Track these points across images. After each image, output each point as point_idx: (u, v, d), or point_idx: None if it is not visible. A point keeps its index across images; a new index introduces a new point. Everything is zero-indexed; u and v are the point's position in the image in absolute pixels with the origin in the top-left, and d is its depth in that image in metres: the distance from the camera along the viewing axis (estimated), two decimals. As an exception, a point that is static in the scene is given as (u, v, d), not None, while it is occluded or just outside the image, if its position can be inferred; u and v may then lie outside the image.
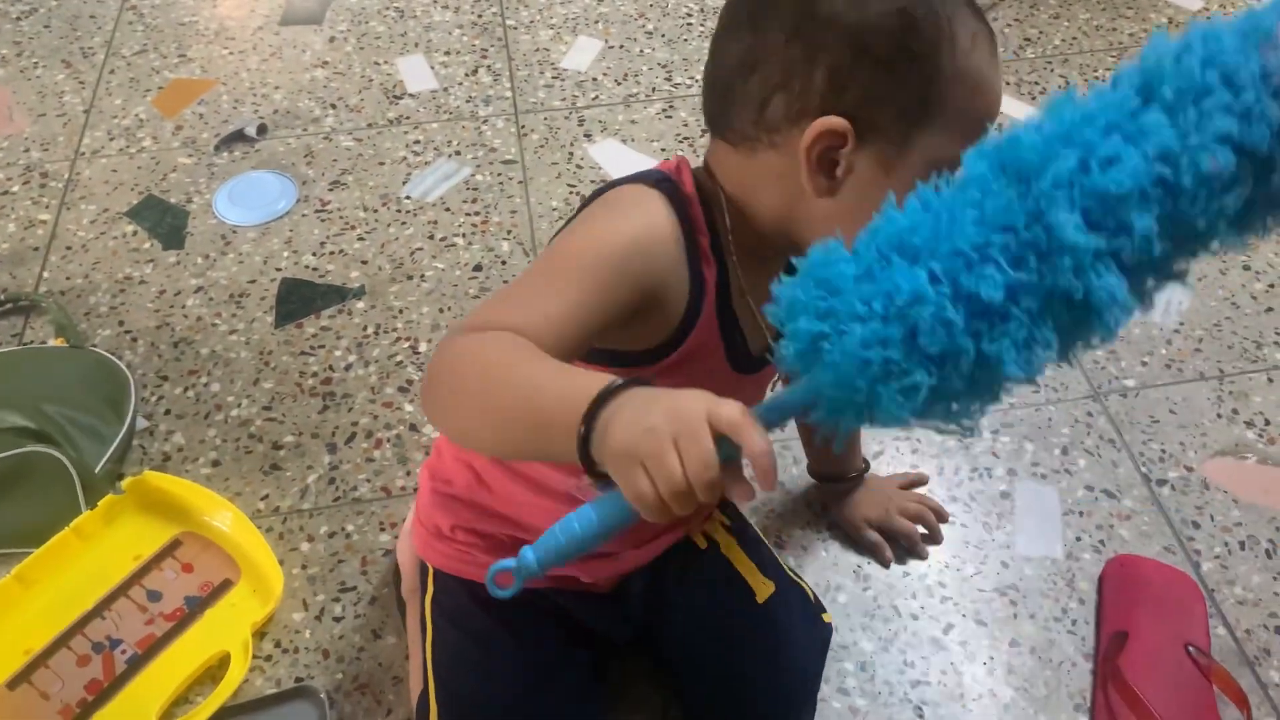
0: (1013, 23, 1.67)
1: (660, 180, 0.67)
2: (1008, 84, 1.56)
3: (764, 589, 0.88)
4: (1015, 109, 1.52)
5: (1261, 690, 0.94)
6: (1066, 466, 1.10)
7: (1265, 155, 0.49)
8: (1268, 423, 1.14)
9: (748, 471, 0.48)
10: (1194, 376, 1.19)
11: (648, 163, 1.44)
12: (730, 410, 0.47)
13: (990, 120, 0.64)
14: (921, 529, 1.04)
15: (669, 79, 1.59)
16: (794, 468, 1.09)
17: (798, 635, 0.88)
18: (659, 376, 0.65)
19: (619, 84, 1.58)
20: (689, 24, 1.68)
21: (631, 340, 0.67)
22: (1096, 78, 1.56)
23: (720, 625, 0.87)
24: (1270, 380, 1.18)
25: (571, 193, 1.41)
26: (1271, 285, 1.28)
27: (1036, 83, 1.56)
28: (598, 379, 0.51)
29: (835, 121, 0.61)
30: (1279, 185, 0.50)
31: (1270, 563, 1.03)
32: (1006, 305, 0.49)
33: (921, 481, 1.09)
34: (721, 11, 0.67)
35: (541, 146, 1.48)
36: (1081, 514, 1.07)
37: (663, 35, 1.66)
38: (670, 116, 1.52)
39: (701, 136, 1.49)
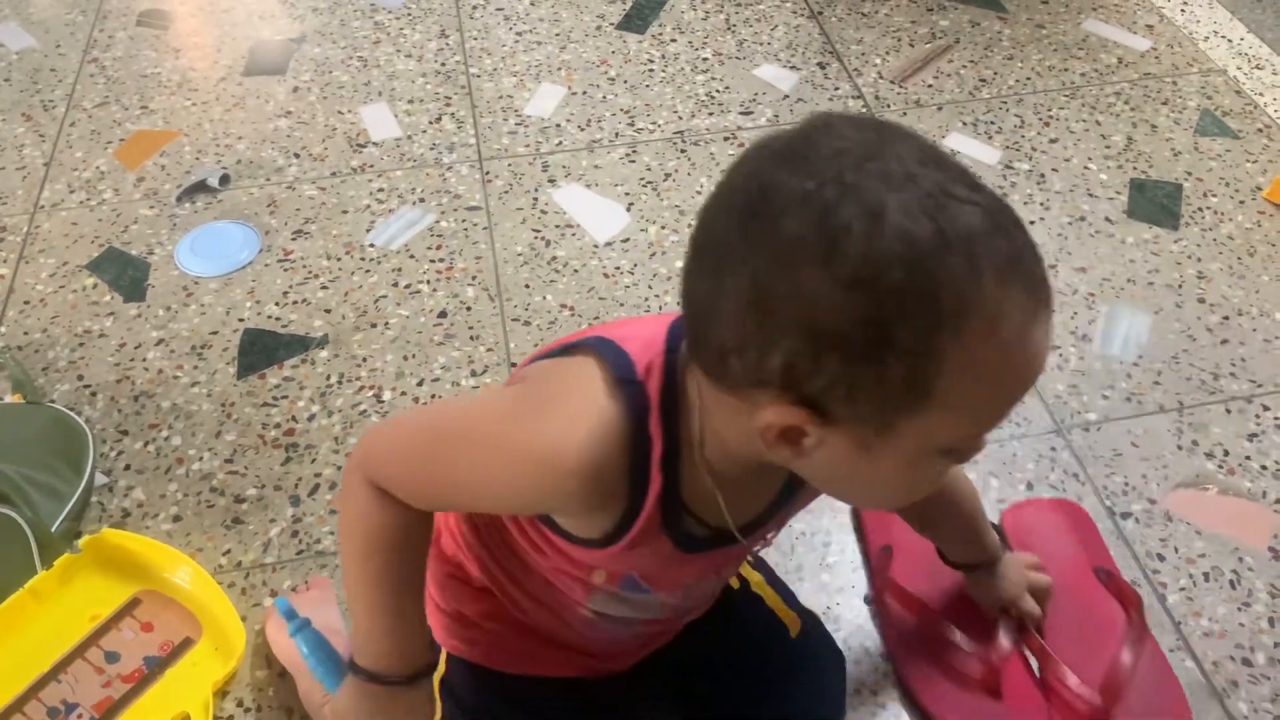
0: (968, 64, 1.70)
1: (627, 382, 0.59)
2: (964, 124, 1.59)
3: (794, 623, 0.89)
4: (974, 148, 1.54)
5: (1231, 723, 0.94)
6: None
7: None
8: (1227, 453, 1.16)
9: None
10: (1154, 409, 1.20)
11: (612, 207, 1.45)
12: None
13: (1024, 392, 0.55)
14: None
15: (632, 124, 1.60)
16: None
17: (827, 665, 0.90)
18: (604, 563, 0.67)
19: (582, 130, 1.59)
20: (650, 70, 1.70)
21: (571, 525, 0.65)
22: (1051, 116, 1.60)
23: (761, 662, 0.87)
24: (1228, 411, 1.20)
25: (536, 237, 1.41)
26: (1226, 318, 1.30)
27: (993, 122, 1.59)
28: (397, 648, 0.70)
29: (791, 414, 0.52)
30: None
31: (1234, 593, 1.03)
32: None
33: (1036, 563, 1.02)
34: (694, 230, 0.55)
35: (506, 192, 1.48)
36: (1048, 549, 1.07)
37: (625, 81, 1.68)
38: (634, 161, 1.54)
39: (665, 181, 1.50)
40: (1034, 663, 0.97)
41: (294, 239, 1.41)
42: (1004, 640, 0.95)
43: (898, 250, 0.47)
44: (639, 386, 0.59)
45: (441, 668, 0.83)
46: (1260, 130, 1.57)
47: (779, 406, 0.52)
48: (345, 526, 0.68)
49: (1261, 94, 1.64)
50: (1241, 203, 1.46)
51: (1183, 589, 1.04)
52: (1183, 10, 1.82)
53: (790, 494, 0.69)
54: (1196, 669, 0.98)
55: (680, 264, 1.33)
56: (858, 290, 0.48)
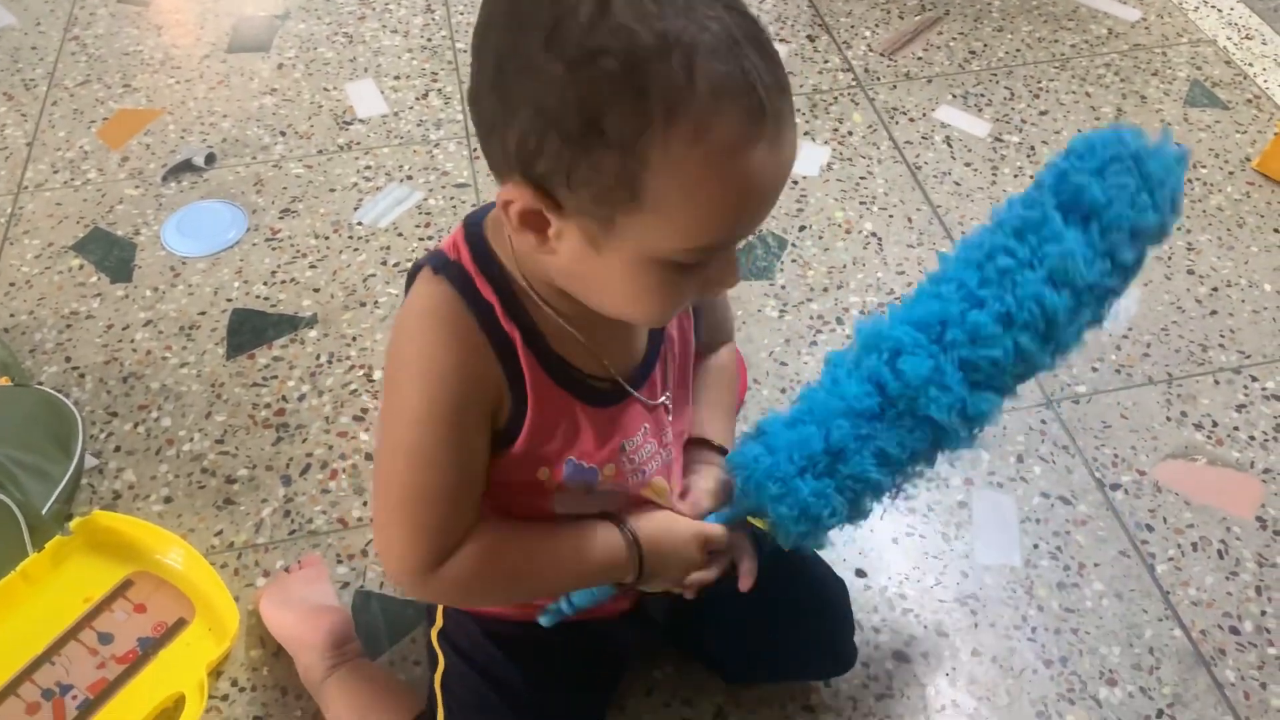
0: (958, 36, 1.70)
1: (441, 267, 0.63)
2: (954, 96, 1.58)
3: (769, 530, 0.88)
4: (964, 121, 1.54)
5: (1218, 690, 0.95)
6: (1022, 474, 1.12)
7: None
8: (1215, 424, 1.16)
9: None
10: (1143, 381, 1.20)
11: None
12: (717, 535, 0.75)
13: (746, 212, 0.56)
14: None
15: (620, 99, 1.59)
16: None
17: (825, 568, 0.91)
18: (532, 448, 0.67)
19: (570, 105, 1.58)
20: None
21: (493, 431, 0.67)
22: (1040, 88, 1.59)
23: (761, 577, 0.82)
24: (1216, 383, 1.20)
25: (525, 215, 1.40)
26: (1215, 289, 1.31)
27: (983, 94, 1.59)
28: (609, 542, 0.72)
29: (520, 191, 0.54)
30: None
31: (1222, 563, 1.04)
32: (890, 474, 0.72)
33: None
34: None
35: (494, 169, 1.47)
36: (1038, 521, 1.08)
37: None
38: (622, 136, 1.53)
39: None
40: None
41: (281, 218, 1.40)
42: None
43: (614, 43, 0.50)
44: (454, 265, 0.63)
45: (439, 621, 0.84)
46: (1249, 101, 1.57)
47: (516, 184, 0.54)
48: (488, 594, 0.74)
49: (1251, 64, 1.64)
50: (1231, 174, 1.46)
51: (1171, 559, 1.05)
52: (1173, -20, 1.81)
53: (659, 337, 0.73)
54: (1184, 637, 0.99)
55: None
56: (573, 72, 0.50)
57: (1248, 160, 1.47)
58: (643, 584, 0.74)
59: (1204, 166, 1.46)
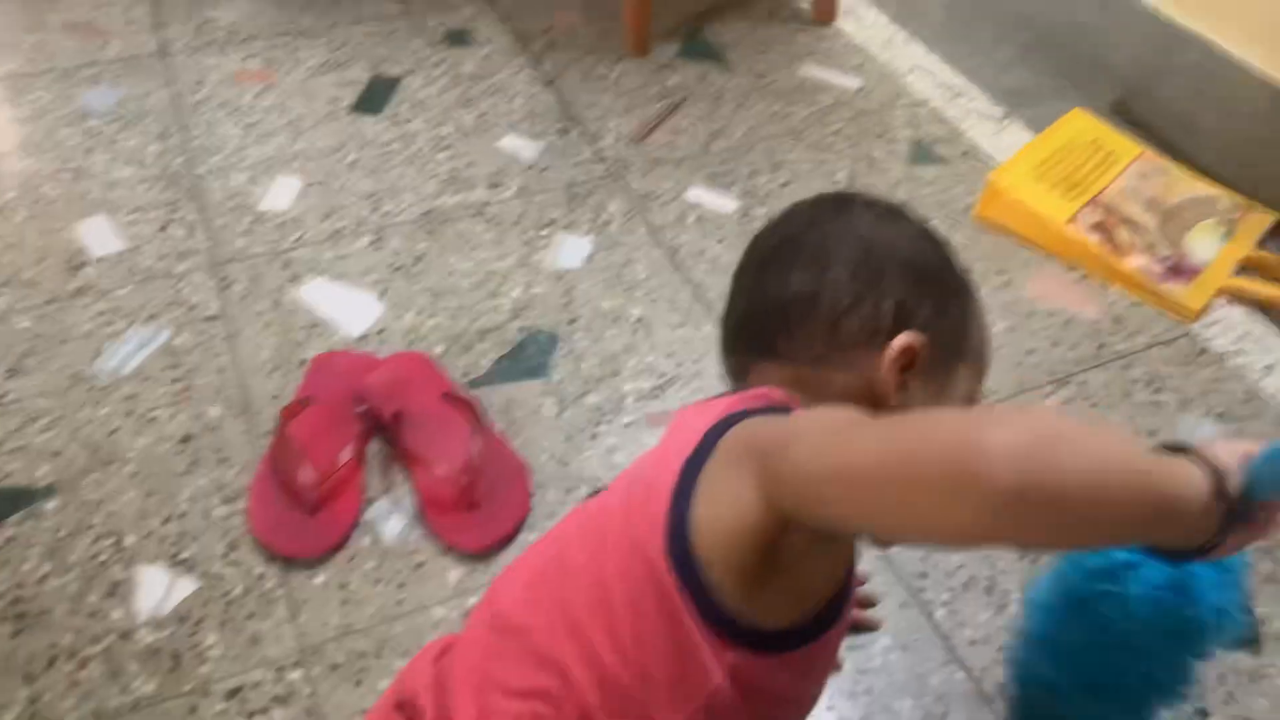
0: (700, 118, 1.77)
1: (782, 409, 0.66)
2: (702, 177, 1.65)
3: None
4: (713, 200, 1.60)
5: (1002, 725, 1.00)
6: (803, 541, 1.15)
7: None
8: (970, 465, 1.24)
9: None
10: (902, 432, 1.27)
11: (363, 298, 1.41)
12: None
13: (990, 359, 0.77)
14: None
15: (376, 209, 1.57)
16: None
17: None
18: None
19: (324, 220, 1.54)
20: (390, 152, 1.67)
21: None
22: (779, 161, 1.68)
23: None
24: (966, 424, 1.28)
25: (283, 340, 1.35)
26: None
27: (728, 172, 1.66)
28: (1190, 473, 0.52)
29: (916, 337, 0.68)
30: None
31: (991, 599, 1.10)
32: None
33: None
34: (757, 252, 0.78)
35: (245, 297, 1.41)
36: (823, 585, 1.11)
37: (364, 166, 1.64)
38: (381, 248, 1.50)
39: (416, 264, 1.47)
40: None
41: (8, 379, 1.29)
42: (343, 456, 1.18)
43: (931, 227, 0.76)
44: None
45: None
46: (964, 154, 1.72)
47: (908, 334, 0.68)
48: (1076, 451, 0.47)
49: (962, 120, 1.79)
50: (956, 223, 1.58)
51: (945, 602, 1.10)
52: (885, 48, 1.97)
53: None
54: (967, 678, 1.04)
55: (441, 349, 1.29)
56: (927, 239, 0.75)
57: (968, 210, 1.60)
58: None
59: (933, 219, 1.57)
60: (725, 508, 0.57)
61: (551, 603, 0.64)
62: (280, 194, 1.59)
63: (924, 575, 1.12)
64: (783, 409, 0.65)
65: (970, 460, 0.44)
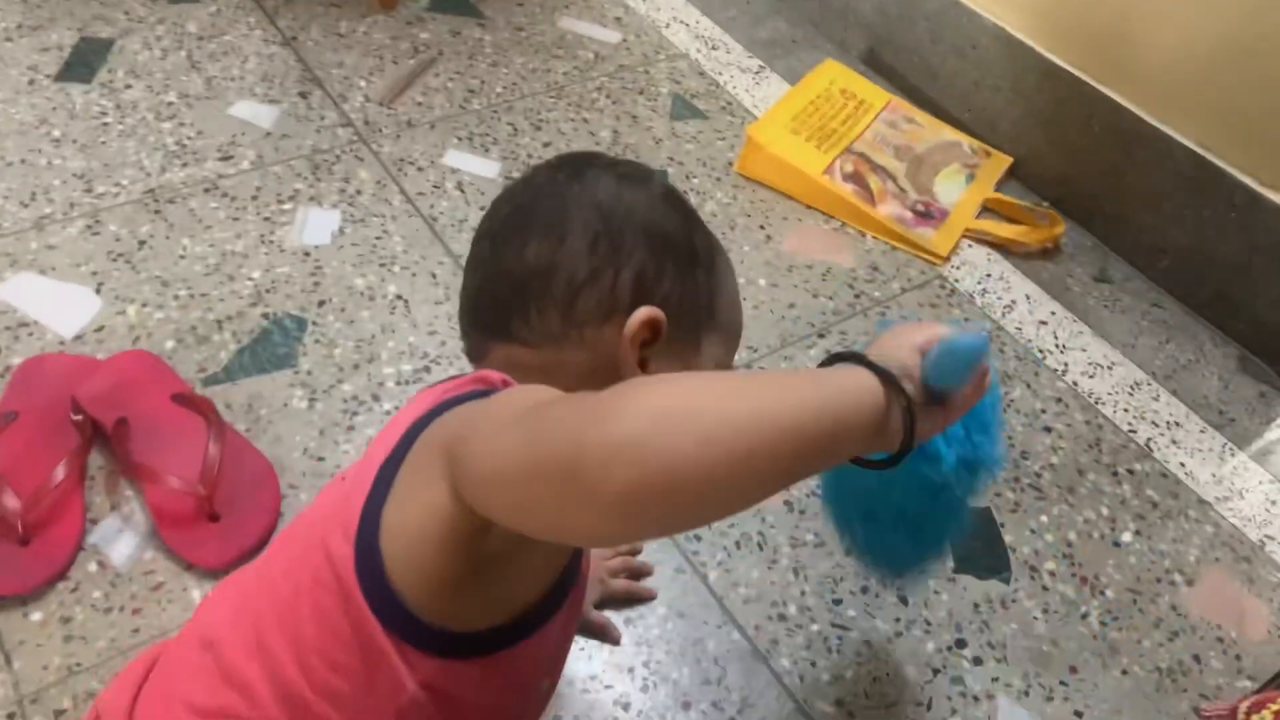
0: (455, 76, 1.69)
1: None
2: (459, 139, 1.57)
3: None
4: (473, 164, 1.53)
5: (778, 681, 1.01)
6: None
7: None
8: (738, 423, 1.24)
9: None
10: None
11: (77, 292, 1.26)
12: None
13: (741, 328, 0.77)
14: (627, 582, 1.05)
15: (89, 190, 1.40)
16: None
17: None
18: None
19: (26, 206, 1.36)
20: (105, 125, 1.50)
21: None
22: (541, 120, 1.62)
23: None
24: (733, 382, 1.29)
25: (-18, 349, 1.18)
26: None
27: (487, 133, 1.59)
28: (857, 380, 0.51)
29: (656, 311, 0.66)
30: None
31: (763, 554, 1.12)
32: None
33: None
34: (491, 222, 0.73)
35: (-68, 299, 1.23)
36: (598, 561, 1.08)
37: (74, 141, 1.46)
38: (98, 233, 1.34)
39: (139, 250, 1.32)
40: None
41: None
42: (57, 475, 1.03)
43: (675, 190, 0.74)
44: None
45: None
46: (724, 108, 1.71)
47: (646, 309, 0.66)
48: (702, 416, 0.43)
49: (720, 73, 1.79)
50: (718, 179, 1.58)
51: (720, 563, 1.10)
52: (645, 0, 1.93)
53: None
54: (742, 638, 1.04)
55: (172, 345, 1.17)
56: (669, 204, 0.71)
57: (730, 165, 1.60)
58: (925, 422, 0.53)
59: (695, 177, 1.57)
60: (415, 509, 0.54)
61: (248, 616, 0.59)
62: (-30, 177, 1.39)
63: (698, 538, 1.12)
64: (492, 393, 0.60)
65: (576, 464, 0.42)
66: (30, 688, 0.92)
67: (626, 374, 0.66)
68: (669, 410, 0.42)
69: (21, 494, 1.01)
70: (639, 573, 1.07)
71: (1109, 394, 1.36)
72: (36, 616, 0.97)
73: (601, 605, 1.04)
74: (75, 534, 1.03)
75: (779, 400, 0.45)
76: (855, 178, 1.57)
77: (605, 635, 1.02)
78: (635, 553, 1.08)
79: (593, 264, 0.67)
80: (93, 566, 1.02)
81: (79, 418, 1.09)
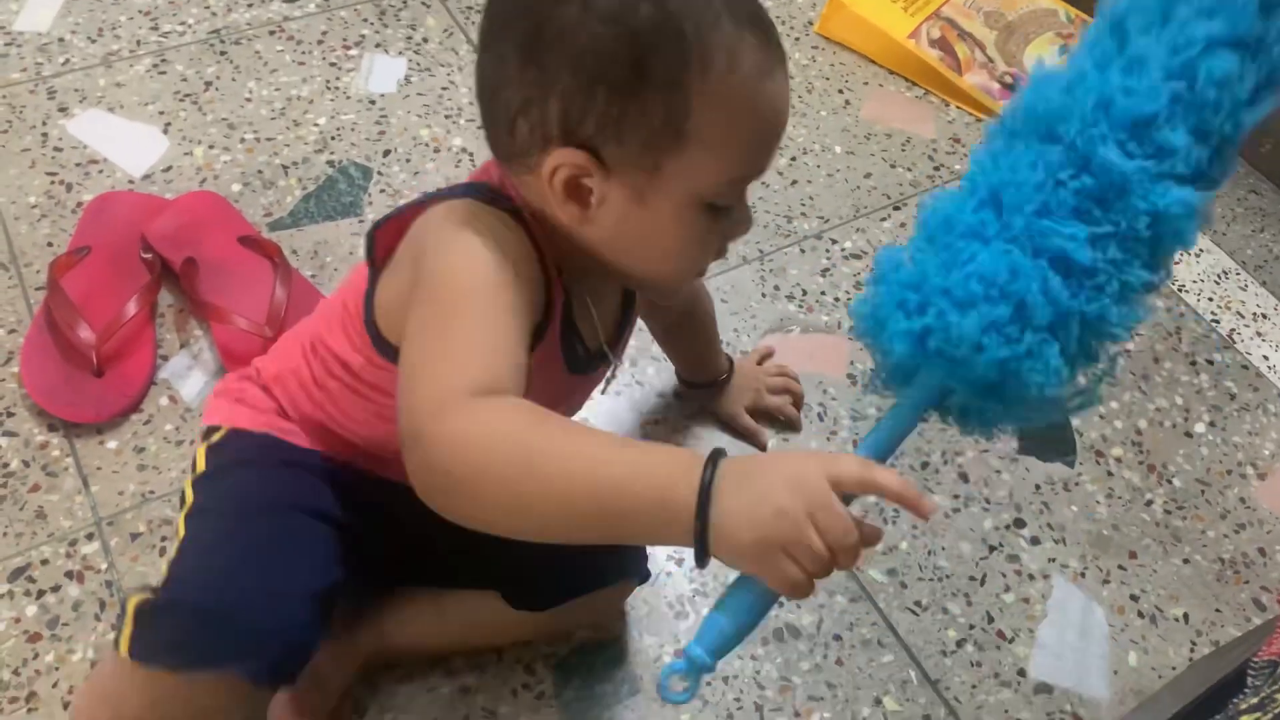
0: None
1: (497, 198, 0.63)
2: None
3: None
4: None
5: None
6: (637, 378, 1.11)
7: (1255, 36, 0.53)
8: (805, 292, 1.22)
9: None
10: (738, 262, 1.23)
11: (145, 131, 1.26)
12: (850, 467, 0.49)
13: (770, 140, 0.62)
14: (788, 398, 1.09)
15: (155, 28, 1.37)
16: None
17: None
18: None
19: (93, 41, 1.35)
20: (169, -41, 1.46)
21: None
22: None
23: None
24: (802, 251, 1.25)
25: (53, 182, 1.19)
26: (793, 159, 1.35)
27: None
28: (674, 457, 0.50)
29: (569, 154, 0.58)
30: (1276, 57, 0.54)
31: (823, 425, 1.10)
32: (1094, 262, 0.53)
33: (769, 352, 1.13)
34: (482, 20, 0.64)
35: (5, 132, 1.23)
36: (657, 423, 1.08)
37: (139, -24, 1.43)
38: (165, 73, 1.32)
39: (206, 91, 1.31)
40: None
41: None
42: (128, 310, 1.05)
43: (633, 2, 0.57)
44: (510, 200, 0.63)
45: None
46: (807, -35, 1.62)
47: (562, 150, 0.58)
48: (507, 465, 0.51)
49: (805, -73, 1.69)
50: (797, 40, 1.51)
51: (779, 434, 1.09)
52: None
53: (629, 309, 0.77)
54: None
55: (238, 187, 1.17)
56: (614, 25, 0.56)
57: (810, 24, 1.52)
58: (724, 546, 0.49)
59: (773, 36, 1.50)
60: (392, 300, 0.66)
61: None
62: (37, 11, 1.37)
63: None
64: (488, 194, 0.64)
65: (417, 436, 0.53)
66: (107, 511, 0.96)
67: (561, 215, 0.61)
68: (504, 434, 0.52)
69: (95, 327, 1.03)
70: (797, 400, 1.10)
71: (1194, 282, 1.31)
72: (112, 445, 1.00)
73: (756, 416, 1.07)
74: (147, 368, 1.05)
75: (591, 470, 0.50)
76: (942, 44, 1.49)
77: (754, 439, 1.06)
78: (795, 376, 1.11)
79: (523, 91, 0.59)
80: (164, 400, 1.04)
81: (149, 255, 1.10)
